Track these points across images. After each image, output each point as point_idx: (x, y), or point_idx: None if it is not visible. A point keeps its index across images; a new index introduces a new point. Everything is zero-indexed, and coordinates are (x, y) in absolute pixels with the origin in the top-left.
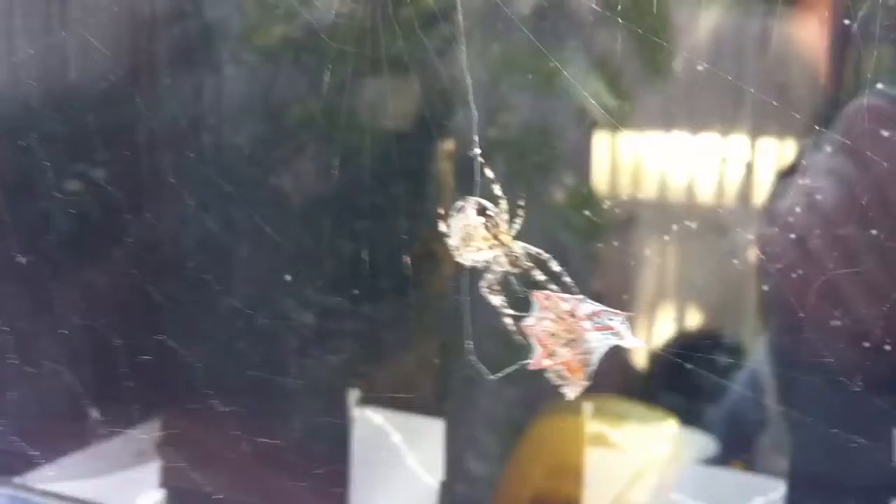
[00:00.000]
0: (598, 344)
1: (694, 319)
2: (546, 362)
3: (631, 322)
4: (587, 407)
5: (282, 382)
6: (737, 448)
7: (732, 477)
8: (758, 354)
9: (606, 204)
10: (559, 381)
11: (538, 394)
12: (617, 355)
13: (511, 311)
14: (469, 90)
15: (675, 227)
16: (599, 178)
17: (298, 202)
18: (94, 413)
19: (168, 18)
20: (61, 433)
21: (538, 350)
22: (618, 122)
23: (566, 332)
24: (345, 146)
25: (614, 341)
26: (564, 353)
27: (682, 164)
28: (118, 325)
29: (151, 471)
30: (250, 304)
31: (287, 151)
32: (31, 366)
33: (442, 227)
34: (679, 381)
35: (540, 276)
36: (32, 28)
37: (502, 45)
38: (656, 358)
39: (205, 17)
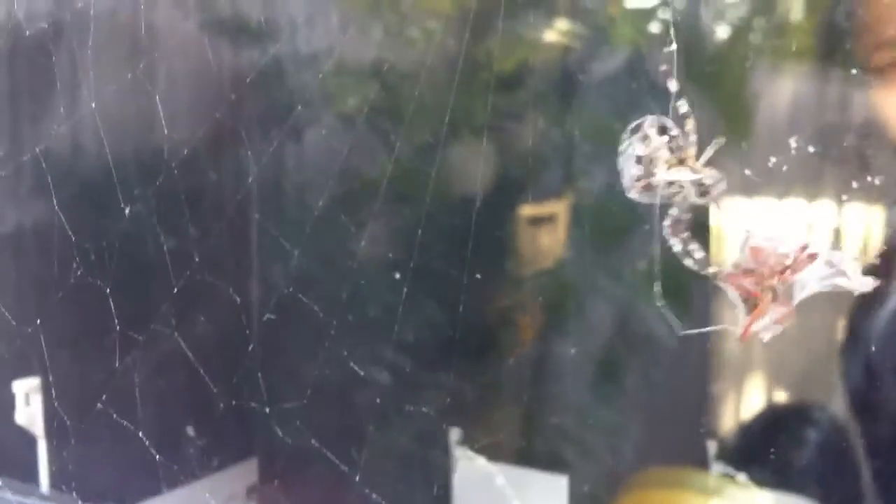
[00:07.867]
0: (813, 283)
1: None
2: (754, 326)
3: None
4: (675, 479)
5: (381, 429)
6: None
7: None
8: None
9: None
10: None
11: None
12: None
13: (701, 255)
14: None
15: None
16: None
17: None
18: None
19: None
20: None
21: (740, 305)
22: None
23: (778, 282)
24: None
25: (838, 281)
26: (774, 307)
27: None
28: (214, 371)
29: None
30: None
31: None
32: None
33: (623, 143)
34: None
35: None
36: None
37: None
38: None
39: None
